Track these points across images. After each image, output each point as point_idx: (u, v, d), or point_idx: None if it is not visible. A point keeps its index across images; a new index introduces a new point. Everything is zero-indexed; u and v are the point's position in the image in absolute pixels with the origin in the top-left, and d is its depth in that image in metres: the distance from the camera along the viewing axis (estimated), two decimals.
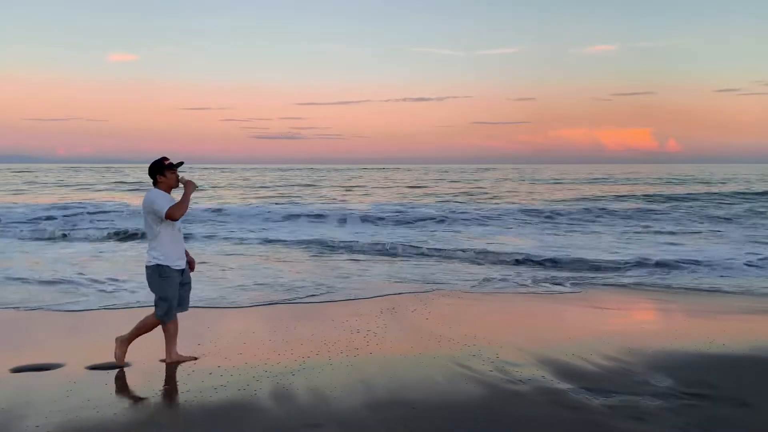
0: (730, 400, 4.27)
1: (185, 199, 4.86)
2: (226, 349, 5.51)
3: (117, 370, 4.95)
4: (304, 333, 6.08)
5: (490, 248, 12.47)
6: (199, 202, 22.90)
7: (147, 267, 4.92)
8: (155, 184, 4.97)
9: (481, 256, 11.52)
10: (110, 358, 5.10)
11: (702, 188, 35.58)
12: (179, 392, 4.46)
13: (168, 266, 4.86)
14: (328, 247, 12.99)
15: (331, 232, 16.06)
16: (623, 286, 8.76)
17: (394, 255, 11.93)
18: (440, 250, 12.33)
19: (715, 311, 7.22)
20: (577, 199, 27.46)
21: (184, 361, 5.12)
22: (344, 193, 35.14)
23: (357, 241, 13.44)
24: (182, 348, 5.23)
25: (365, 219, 18.88)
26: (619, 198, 28.22)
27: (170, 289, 4.88)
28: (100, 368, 4.99)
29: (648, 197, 28.45)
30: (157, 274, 4.86)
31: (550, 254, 11.39)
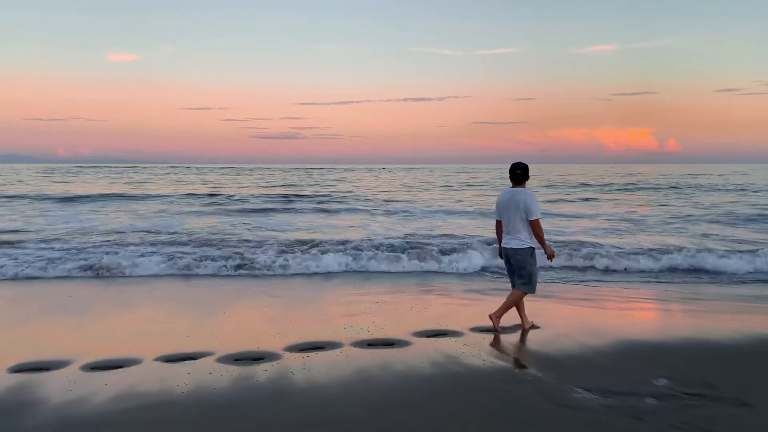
0: (730, 400, 4.27)
1: (544, 243, 5.93)
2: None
3: (118, 369, 4.95)
4: (304, 330, 6.09)
5: None
6: None
7: (520, 249, 5.92)
8: (520, 183, 5.97)
9: None
10: (110, 357, 5.17)
11: None
12: (181, 391, 4.46)
13: (535, 249, 5.93)
14: None
15: None
16: None
17: None
18: None
19: (714, 310, 7.23)
20: None
21: (533, 328, 6.17)
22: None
23: None
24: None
25: None
26: None
27: (537, 267, 6.07)
28: (101, 368, 4.99)
29: None
30: (529, 254, 5.94)
31: None
